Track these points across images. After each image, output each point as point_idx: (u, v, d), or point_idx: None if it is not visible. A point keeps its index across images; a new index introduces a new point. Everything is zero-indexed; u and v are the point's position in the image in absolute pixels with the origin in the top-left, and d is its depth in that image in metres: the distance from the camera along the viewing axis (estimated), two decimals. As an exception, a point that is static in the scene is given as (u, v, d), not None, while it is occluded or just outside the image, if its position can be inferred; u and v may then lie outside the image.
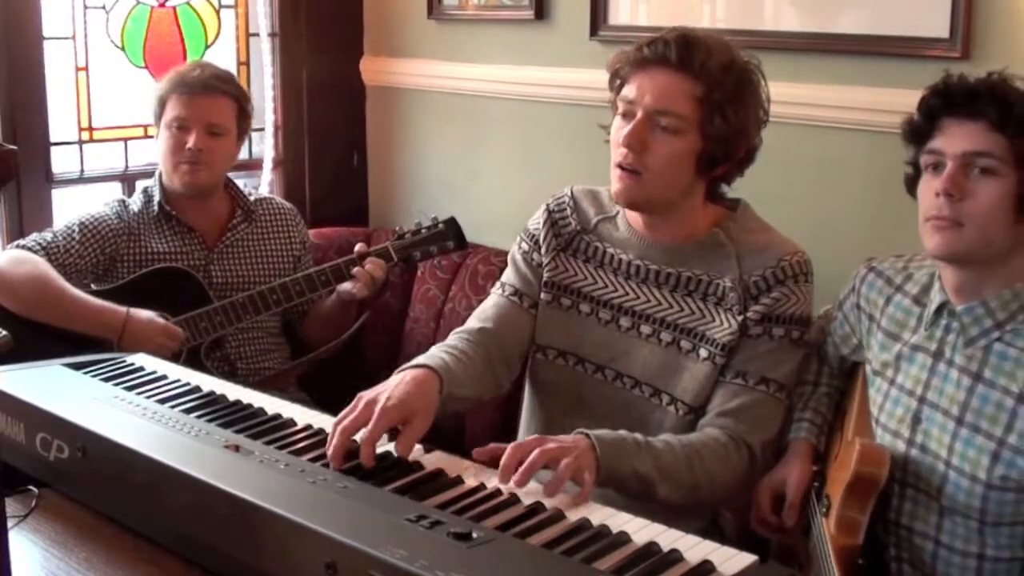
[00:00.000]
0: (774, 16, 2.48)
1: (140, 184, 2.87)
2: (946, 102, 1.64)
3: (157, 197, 2.61)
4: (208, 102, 2.57)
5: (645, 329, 1.89)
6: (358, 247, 2.56)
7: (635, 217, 1.93)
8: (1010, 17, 2.09)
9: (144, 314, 2.41)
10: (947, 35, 2.16)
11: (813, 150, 2.40)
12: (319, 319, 2.71)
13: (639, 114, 1.80)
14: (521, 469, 1.51)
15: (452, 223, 2.58)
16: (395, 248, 2.55)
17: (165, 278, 2.55)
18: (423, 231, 2.57)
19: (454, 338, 1.92)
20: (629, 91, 1.82)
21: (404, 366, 1.76)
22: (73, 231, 2.53)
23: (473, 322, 1.96)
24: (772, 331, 1.83)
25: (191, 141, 2.54)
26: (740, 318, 1.82)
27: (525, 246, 2.02)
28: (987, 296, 1.64)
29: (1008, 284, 1.64)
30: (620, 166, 1.82)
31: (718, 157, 1.82)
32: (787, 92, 2.40)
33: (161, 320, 2.42)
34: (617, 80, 1.87)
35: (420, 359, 1.78)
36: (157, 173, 2.65)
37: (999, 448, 1.60)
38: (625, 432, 1.72)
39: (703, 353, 1.84)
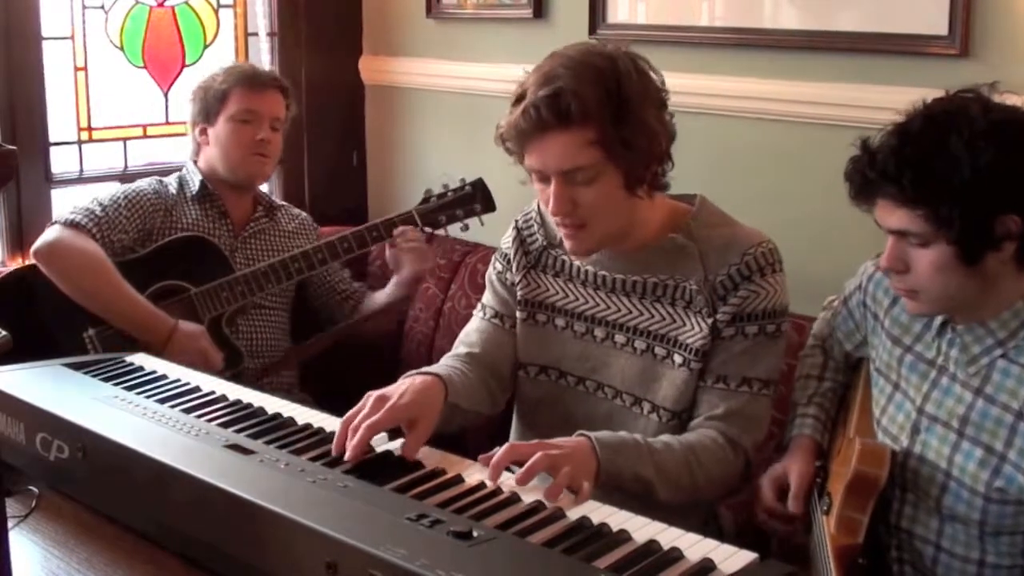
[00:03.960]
0: (773, 15, 2.48)
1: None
2: (852, 184, 1.62)
3: (197, 177, 2.63)
4: (273, 97, 2.64)
5: (619, 338, 1.88)
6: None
7: None
8: (1009, 14, 2.09)
9: (192, 328, 2.41)
10: (946, 32, 2.16)
11: (812, 148, 2.40)
12: (378, 310, 2.68)
13: (552, 180, 1.76)
14: (522, 470, 1.51)
15: (480, 184, 2.53)
16: (420, 212, 2.52)
17: (189, 247, 2.55)
18: (449, 194, 2.53)
19: (447, 359, 1.93)
20: (531, 161, 1.78)
21: (410, 372, 1.77)
22: (120, 203, 2.53)
23: (460, 347, 1.97)
24: (745, 329, 1.80)
25: (260, 133, 2.59)
26: (710, 320, 1.80)
27: (499, 266, 2.03)
28: (986, 318, 1.61)
29: (1006, 305, 1.60)
30: (561, 225, 1.81)
31: (641, 169, 1.77)
32: (786, 90, 2.41)
33: (205, 341, 2.41)
34: (512, 153, 1.82)
35: (425, 369, 1.80)
36: (189, 163, 2.67)
37: (1000, 463, 1.58)
38: (626, 434, 1.72)
39: (677, 359, 1.83)
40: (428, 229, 2.56)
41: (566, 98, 1.69)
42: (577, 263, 1.93)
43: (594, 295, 1.91)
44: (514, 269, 1.99)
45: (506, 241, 2.02)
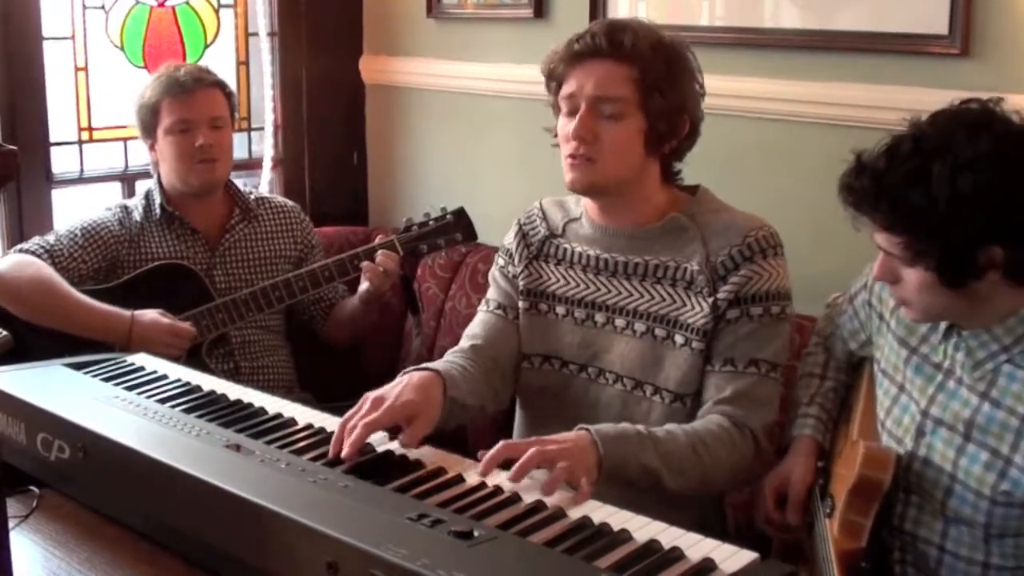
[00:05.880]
0: (774, 14, 2.48)
1: (139, 184, 2.86)
2: (842, 199, 1.62)
3: (158, 200, 2.60)
4: (206, 97, 2.57)
5: (619, 322, 1.90)
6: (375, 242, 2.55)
7: (595, 211, 1.95)
8: (1009, 14, 2.09)
9: (149, 315, 2.39)
10: (946, 32, 2.15)
11: (812, 147, 2.40)
12: (342, 321, 2.70)
13: (582, 107, 1.84)
14: (515, 467, 1.51)
15: (461, 214, 2.56)
16: (401, 241, 2.54)
17: (165, 275, 2.54)
18: (431, 223, 2.55)
19: (450, 355, 1.94)
20: (568, 87, 1.87)
21: (408, 369, 1.78)
22: (76, 235, 2.51)
23: (464, 342, 1.99)
24: (750, 311, 1.82)
25: (199, 139, 2.54)
26: (711, 300, 1.82)
27: (501, 261, 2.06)
28: (989, 324, 1.61)
29: (1011, 312, 1.59)
30: (572, 156, 1.85)
31: (664, 133, 1.86)
32: (786, 90, 2.41)
33: (166, 320, 2.40)
34: (554, 81, 1.91)
35: (423, 364, 1.81)
36: (155, 179, 2.63)
37: (1006, 466, 1.58)
38: (627, 425, 1.72)
39: (679, 340, 1.85)
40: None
41: (624, 34, 1.83)
42: (579, 249, 1.95)
43: (595, 280, 1.93)
44: (516, 261, 2.02)
45: (508, 237, 2.06)
